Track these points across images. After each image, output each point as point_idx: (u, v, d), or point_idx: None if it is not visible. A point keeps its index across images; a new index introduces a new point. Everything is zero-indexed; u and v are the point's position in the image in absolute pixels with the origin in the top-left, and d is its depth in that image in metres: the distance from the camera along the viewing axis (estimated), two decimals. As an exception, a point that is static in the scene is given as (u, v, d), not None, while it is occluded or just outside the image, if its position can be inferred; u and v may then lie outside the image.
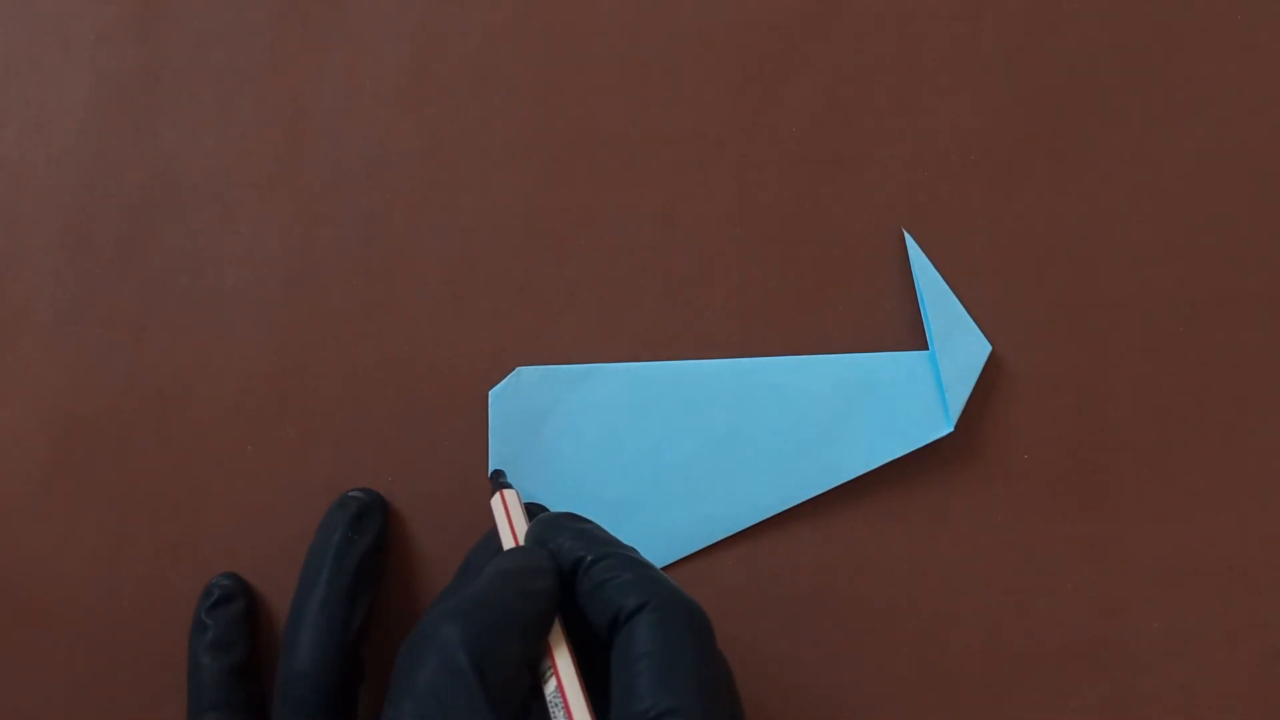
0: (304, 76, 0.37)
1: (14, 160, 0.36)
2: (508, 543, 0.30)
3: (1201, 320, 0.36)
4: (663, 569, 0.35)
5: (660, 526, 0.35)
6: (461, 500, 0.35)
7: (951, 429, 0.34)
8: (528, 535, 0.30)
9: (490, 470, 0.35)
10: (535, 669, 0.26)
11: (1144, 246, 0.36)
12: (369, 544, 0.33)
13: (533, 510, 0.33)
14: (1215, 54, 0.37)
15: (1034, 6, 0.37)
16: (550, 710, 0.26)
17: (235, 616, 0.33)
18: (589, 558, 0.27)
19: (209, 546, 0.35)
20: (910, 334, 0.36)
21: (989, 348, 0.35)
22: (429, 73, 0.37)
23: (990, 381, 0.35)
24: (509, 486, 0.33)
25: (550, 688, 0.26)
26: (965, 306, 0.35)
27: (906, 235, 0.36)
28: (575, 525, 0.29)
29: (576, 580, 0.27)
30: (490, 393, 0.35)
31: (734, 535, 0.35)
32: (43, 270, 0.36)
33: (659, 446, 0.35)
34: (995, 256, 0.36)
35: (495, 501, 0.32)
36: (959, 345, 0.35)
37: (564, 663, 0.26)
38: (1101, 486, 0.35)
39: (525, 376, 0.35)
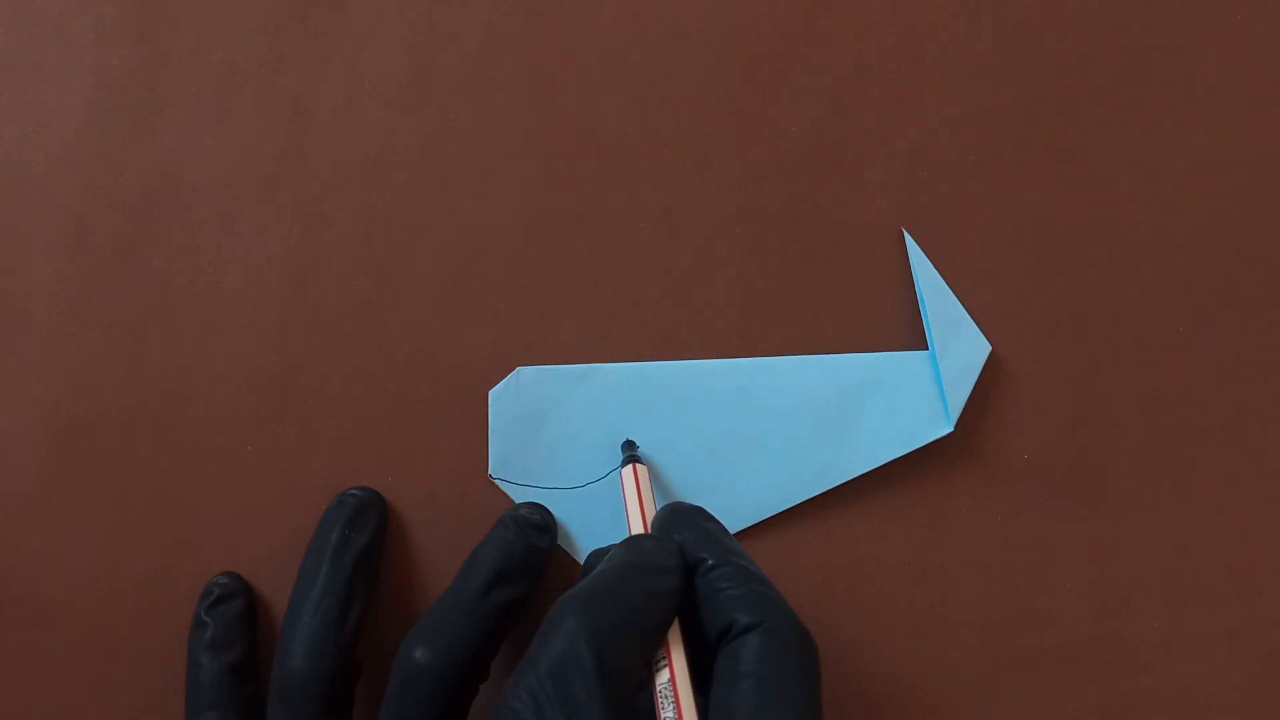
0: (304, 76, 0.37)
1: (14, 160, 0.36)
2: (635, 524, 0.31)
3: (1201, 320, 0.36)
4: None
5: (660, 526, 0.35)
6: (460, 500, 0.35)
7: (951, 429, 0.34)
8: (655, 521, 0.30)
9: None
10: (650, 662, 0.27)
11: (1144, 246, 0.36)
12: (366, 542, 0.33)
13: (535, 512, 0.33)
14: (1215, 54, 0.37)
15: (1034, 6, 0.37)
16: (659, 700, 0.27)
17: (234, 615, 0.33)
18: (710, 561, 0.28)
19: (209, 546, 0.35)
20: (910, 334, 0.36)
21: (989, 348, 0.35)
22: (429, 73, 0.37)
23: (990, 381, 0.35)
24: (640, 460, 0.33)
25: (663, 678, 0.27)
26: (965, 306, 0.35)
27: (906, 235, 0.36)
28: (702, 524, 0.30)
29: (694, 580, 0.28)
30: (490, 393, 0.35)
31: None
32: (43, 270, 0.36)
33: (659, 446, 0.35)
34: (995, 256, 0.36)
35: (627, 474, 0.32)
36: (959, 345, 0.35)
37: (679, 659, 0.27)
38: (1101, 487, 0.35)
39: (525, 376, 0.35)
